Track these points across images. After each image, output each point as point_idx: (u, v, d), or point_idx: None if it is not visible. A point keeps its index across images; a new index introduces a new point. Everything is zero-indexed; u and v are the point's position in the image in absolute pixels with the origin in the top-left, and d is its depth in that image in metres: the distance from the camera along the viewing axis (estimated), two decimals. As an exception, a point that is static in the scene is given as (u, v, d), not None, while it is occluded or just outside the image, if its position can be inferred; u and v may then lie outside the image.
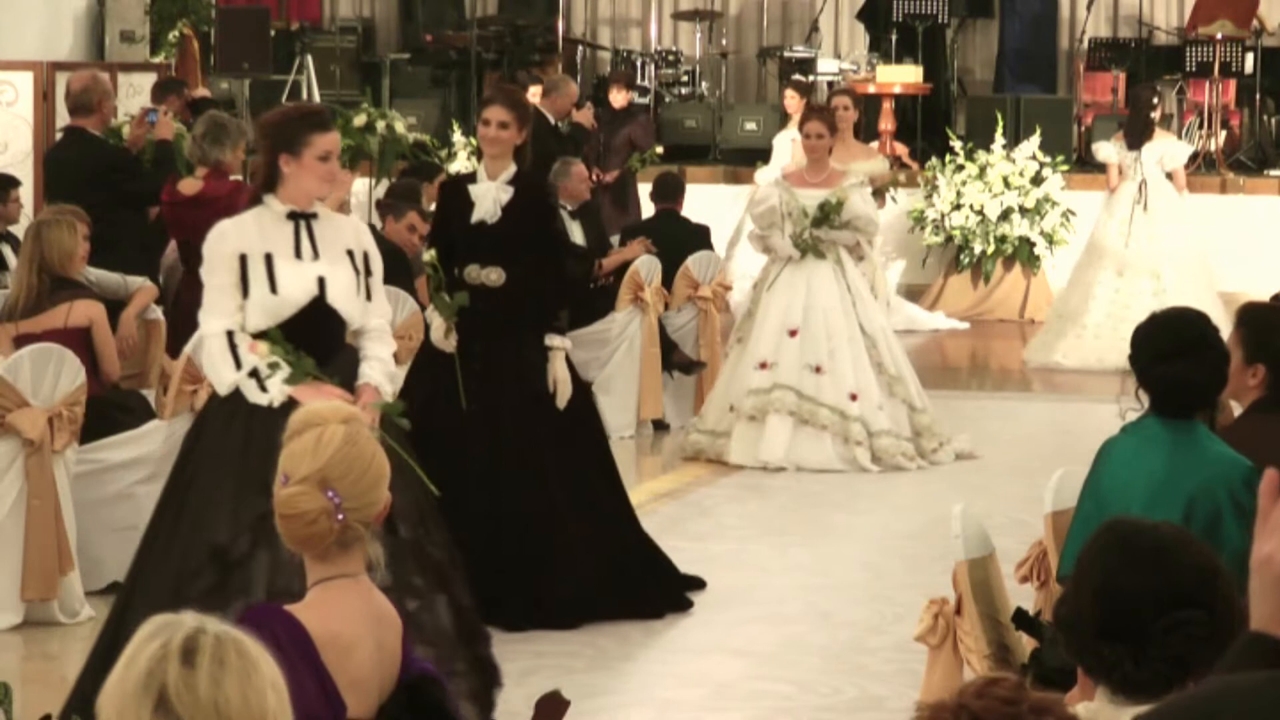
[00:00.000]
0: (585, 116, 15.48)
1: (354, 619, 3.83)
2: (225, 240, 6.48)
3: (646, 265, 12.48)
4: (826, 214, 11.51)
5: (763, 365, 11.54)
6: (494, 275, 8.22)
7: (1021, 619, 5.14)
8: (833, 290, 11.59)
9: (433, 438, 7.61)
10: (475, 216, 8.26)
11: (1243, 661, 2.51)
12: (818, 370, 11.47)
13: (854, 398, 11.45)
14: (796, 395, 11.44)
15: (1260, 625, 2.50)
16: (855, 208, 11.57)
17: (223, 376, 6.41)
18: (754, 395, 11.50)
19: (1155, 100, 15.50)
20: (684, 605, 8.45)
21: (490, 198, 8.26)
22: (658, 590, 8.42)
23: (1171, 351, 5.22)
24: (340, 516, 3.82)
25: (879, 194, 12.89)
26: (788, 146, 15.47)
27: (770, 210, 11.64)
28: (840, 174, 11.75)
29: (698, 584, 8.69)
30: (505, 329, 8.20)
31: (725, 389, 11.76)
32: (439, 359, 8.19)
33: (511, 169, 8.28)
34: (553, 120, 14.85)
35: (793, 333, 11.53)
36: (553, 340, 8.27)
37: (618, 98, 17.17)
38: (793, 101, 17.02)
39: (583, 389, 8.52)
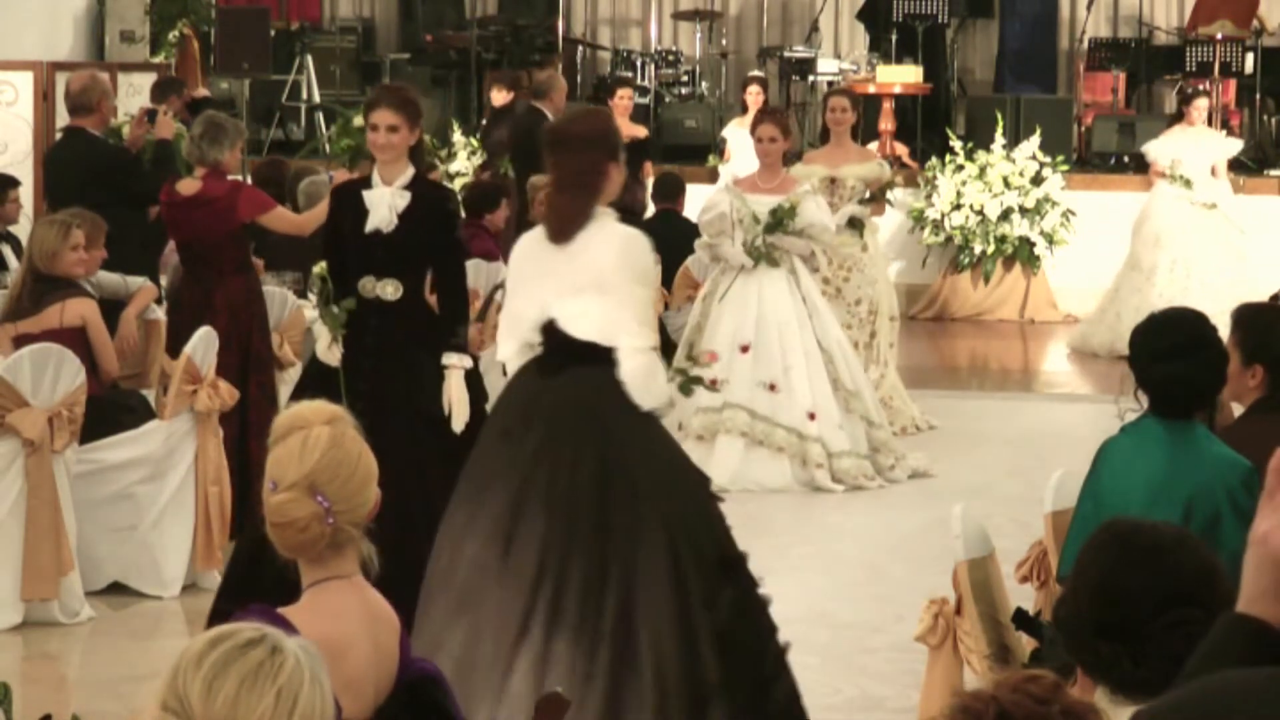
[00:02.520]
0: None
1: (347, 619, 3.82)
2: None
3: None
4: (779, 220, 10.97)
5: (712, 383, 10.97)
6: (390, 288, 7.69)
7: (1021, 619, 5.14)
8: (786, 302, 11.04)
9: None
10: (370, 225, 7.71)
11: (1224, 643, 2.49)
12: (772, 388, 10.93)
13: (812, 417, 10.92)
14: (749, 415, 10.90)
15: (1246, 603, 2.48)
16: (809, 215, 11.02)
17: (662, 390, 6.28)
18: (703, 414, 10.89)
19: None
20: None
21: (385, 205, 7.72)
22: None
23: (1170, 351, 5.22)
24: (331, 520, 3.81)
25: (877, 199, 12.37)
26: (745, 141, 14.94)
27: (720, 217, 11.10)
28: (793, 180, 11.25)
29: None
30: (401, 346, 7.68)
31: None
32: (325, 375, 7.65)
33: (408, 173, 7.76)
34: (552, 118, 14.84)
35: (744, 349, 10.99)
36: (450, 359, 7.68)
37: (498, 96, 17.15)
38: (756, 98, 16.98)
39: (481, 412, 7.63)
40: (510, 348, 6.39)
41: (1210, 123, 16.37)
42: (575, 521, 6.05)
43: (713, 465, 10.38)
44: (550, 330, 6.26)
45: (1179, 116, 16.46)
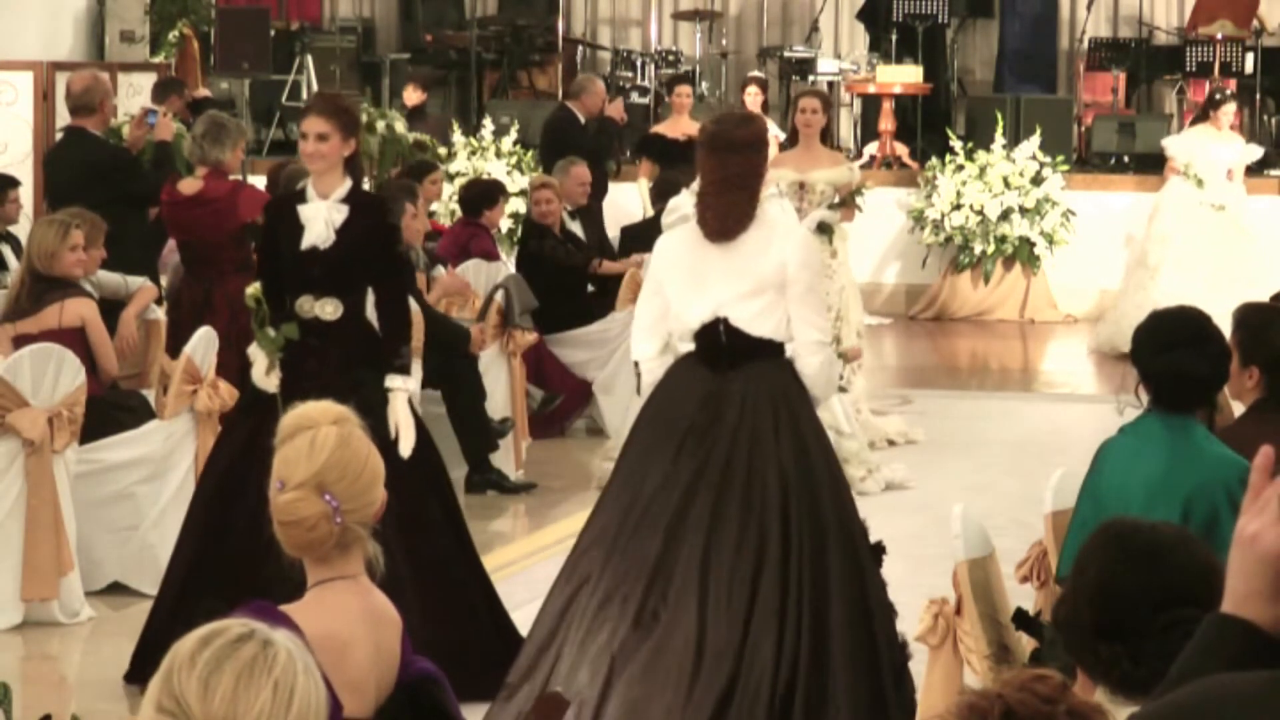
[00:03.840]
0: (616, 109, 15.50)
1: (350, 619, 3.82)
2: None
3: (647, 265, 12.46)
4: None
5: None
6: (329, 308, 7.30)
7: (1021, 619, 5.14)
8: None
9: (248, 488, 6.98)
10: (306, 241, 7.31)
11: (1213, 644, 2.48)
12: None
13: None
14: None
15: (1232, 604, 2.47)
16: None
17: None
18: None
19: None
20: None
21: (321, 220, 7.31)
22: (508, 665, 6.85)
23: (1172, 342, 5.24)
24: (339, 520, 3.81)
25: (847, 204, 11.88)
26: None
27: (683, 220, 10.61)
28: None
29: None
30: (342, 368, 7.25)
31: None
32: (262, 401, 7.28)
33: (345, 185, 7.34)
34: (582, 119, 14.91)
35: None
36: (394, 381, 7.29)
37: (412, 96, 17.14)
38: (755, 99, 16.98)
39: (426, 434, 7.51)
40: (653, 346, 6.60)
41: (1233, 128, 16.41)
42: (782, 503, 6.31)
43: None
44: (714, 328, 6.44)
45: (1204, 116, 16.44)
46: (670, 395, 6.52)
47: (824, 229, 11.44)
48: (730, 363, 6.44)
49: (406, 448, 7.25)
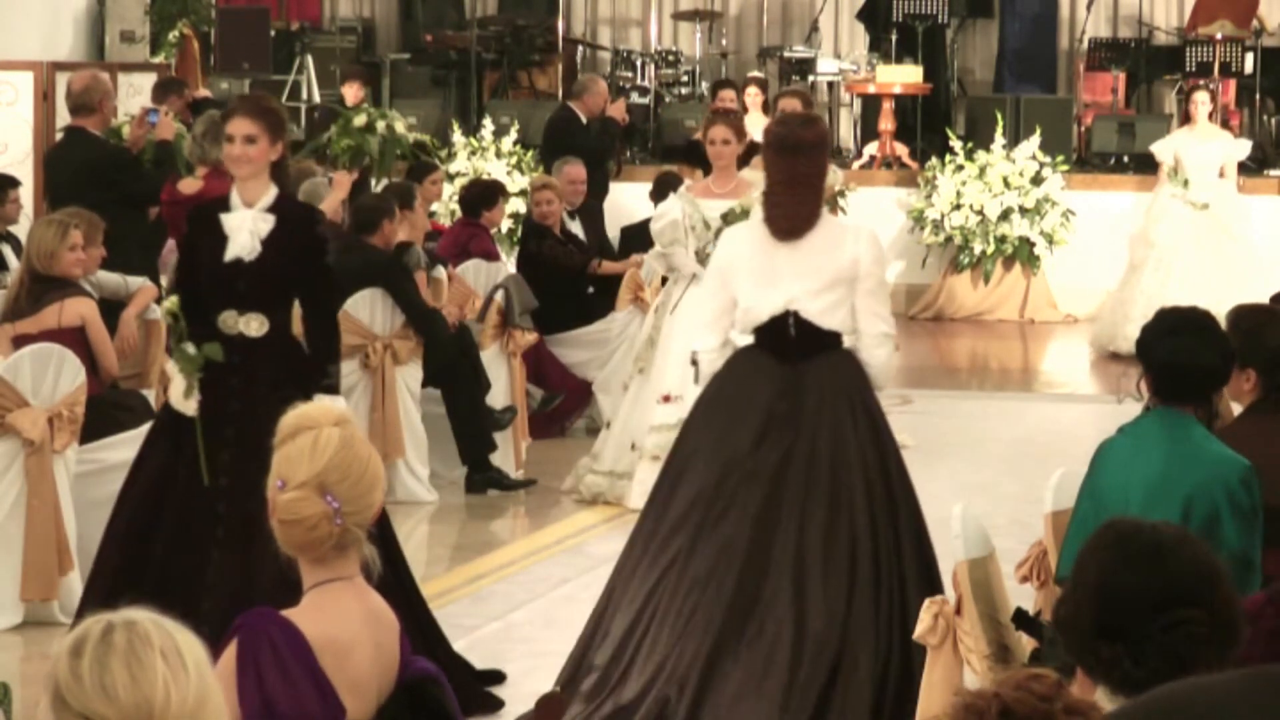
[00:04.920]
0: (619, 110, 15.40)
1: (351, 621, 3.83)
2: None
3: (646, 266, 12.46)
4: (731, 225, 10.00)
5: (666, 399, 10.27)
6: (255, 324, 6.89)
7: (1021, 619, 5.14)
8: None
9: (168, 517, 6.80)
10: (230, 253, 6.90)
11: None
12: None
13: None
14: None
15: None
16: None
17: None
18: (658, 432, 10.18)
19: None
20: (488, 705, 7.25)
21: (246, 230, 6.90)
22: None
23: (1174, 329, 5.26)
24: (339, 521, 3.82)
25: (830, 205, 11.60)
26: None
27: (672, 225, 10.42)
28: (748, 185, 10.37)
29: (496, 678, 7.51)
30: (269, 388, 6.81)
31: (625, 424, 10.56)
32: (180, 423, 6.90)
33: (271, 193, 6.95)
34: (584, 120, 14.88)
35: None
36: (322, 401, 6.42)
37: (349, 92, 17.10)
38: (755, 99, 16.93)
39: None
40: (715, 339, 6.90)
41: (1211, 118, 16.38)
42: (866, 491, 6.65)
43: None
44: (783, 321, 6.73)
45: (1186, 118, 16.50)
46: (741, 382, 6.78)
47: None
48: (800, 354, 6.73)
49: None
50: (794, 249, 6.74)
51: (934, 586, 6.50)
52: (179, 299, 6.94)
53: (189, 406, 6.85)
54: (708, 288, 7.07)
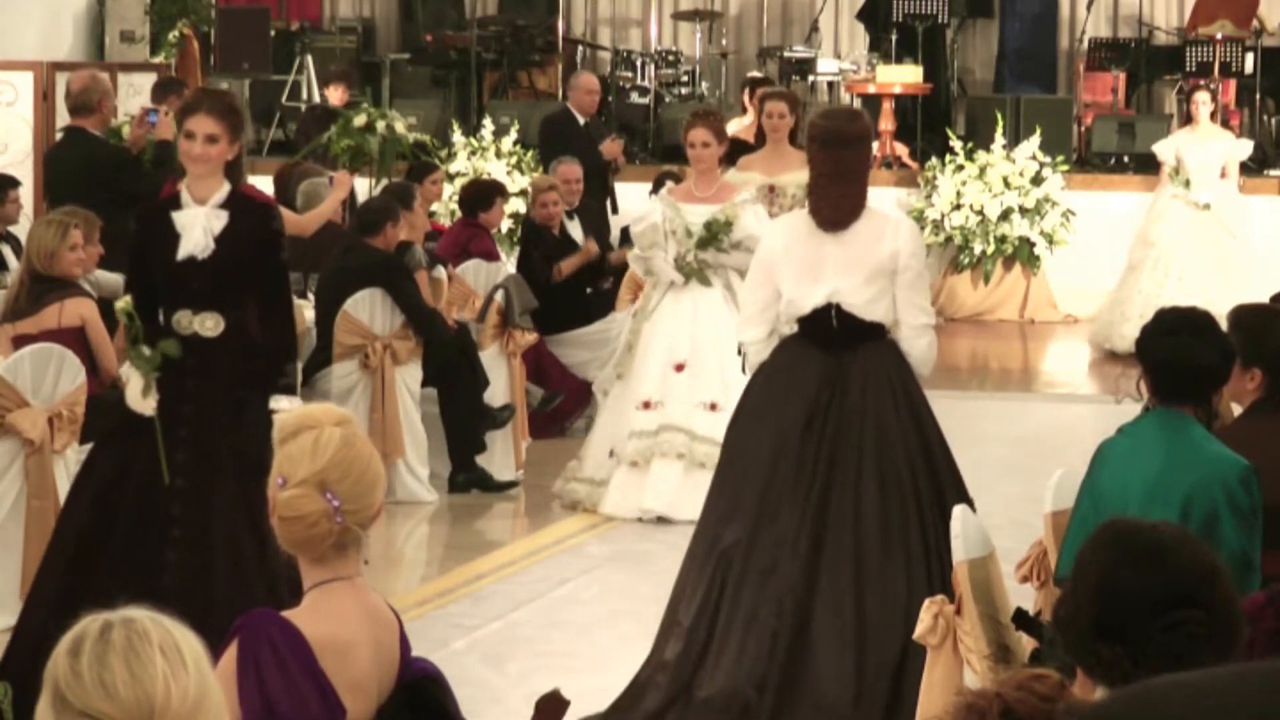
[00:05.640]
0: (613, 151, 14.74)
1: (351, 621, 3.83)
2: None
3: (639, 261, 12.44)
4: (714, 234, 10.10)
5: (646, 405, 10.15)
6: (210, 323, 6.73)
7: (1021, 619, 5.14)
8: (724, 318, 10.02)
9: (125, 521, 6.65)
10: (183, 251, 6.72)
11: None
12: (713, 407, 9.97)
13: None
14: (688, 436, 10.04)
15: None
16: (748, 227, 10.03)
17: None
18: (637, 438, 10.11)
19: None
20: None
21: (200, 227, 6.73)
22: None
23: (1174, 328, 5.26)
24: (339, 519, 3.82)
25: (800, 206, 11.47)
26: None
27: (652, 228, 10.22)
28: (731, 189, 10.33)
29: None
30: (225, 388, 6.72)
31: (605, 431, 10.44)
32: (137, 424, 6.72)
33: (224, 190, 6.77)
34: (580, 119, 14.82)
35: (679, 367, 10.15)
36: (279, 402, 6.69)
37: (334, 94, 17.07)
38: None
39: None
40: (761, 330, 7.08)
41: (1212, 118, 16.38)
42: (912, 480, 6.87)
43: (648, 492, 10.02)
44: (826, 312, 6.91)
45: (1187, 119, 16.50)
46: (788, 371, 6.97)
47: None
48: (843, 344, 6.93)
49: None
50: (838, 241, 6.93)
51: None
52: (131, 299, 6.75)
53: (147, 406, 6.67)
54: (753, 280, 7.21)
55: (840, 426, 6.88)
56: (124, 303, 6.75)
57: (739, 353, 7.26)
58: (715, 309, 10.19)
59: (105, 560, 6.68)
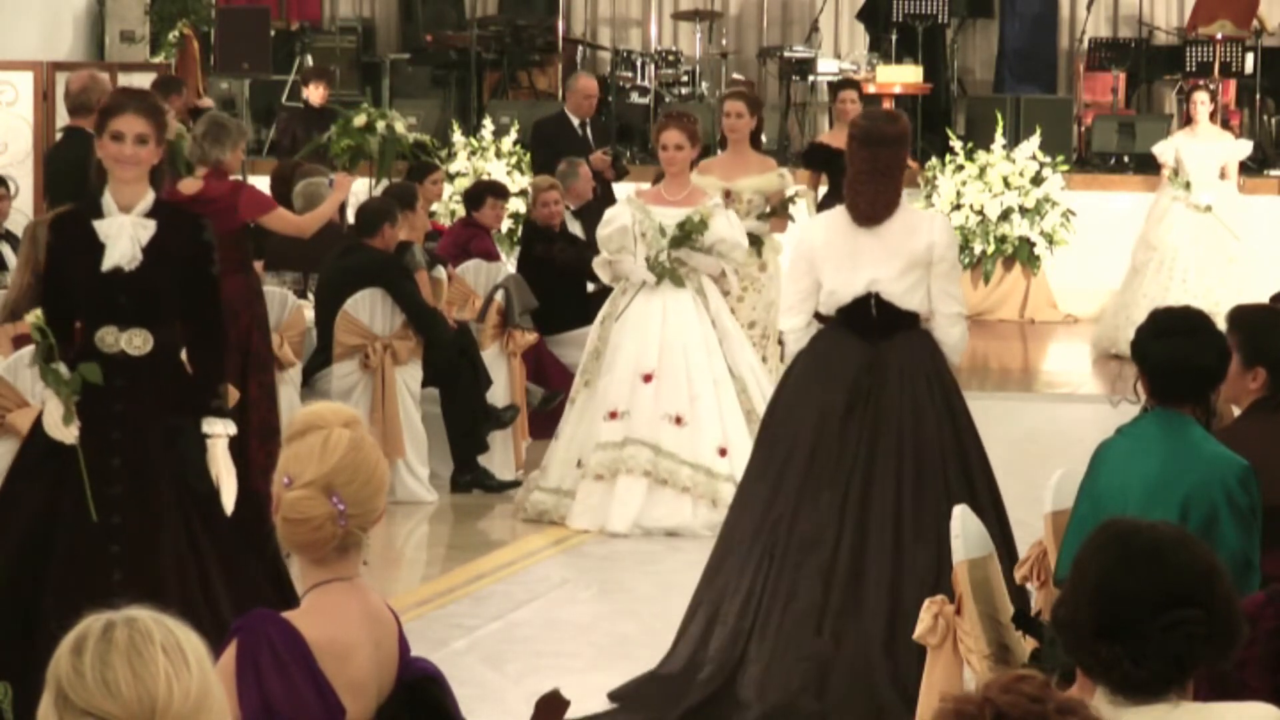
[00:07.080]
0: (600, 162, 14.71)
1: (351, 622, 3.82)
2: None
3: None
4: (688, 233, 9.88)
5: (613, 415, 9.91)
6: (138, 340, 6.22)
7: (1021, 619, 5.14)
8: (694, 325, 9.94)
9: (57, 564, 6.08)
10: (108, 262, 6.22)
11: None
12: (678, 421, 9.82)
13: (723, 453, 9.78)
14: (653, 451, 9.81)
15: None
16: (720, 230, 9.91)
17: None
18: (603, 450, 9.87)
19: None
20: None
21: (126, 236, 6.24)
22: None
23: (1170, 330, 5.26)
24: (344, 522, 3.81)
25: (778, 213, 11.07)
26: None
27: (620, 231, 10.01)
28: (702, 193, 10.14)
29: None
30: (156, 411, 6.22)
31: (571, 440, 10.13)
32: (59, 454, 6.17)
33: (149, 197, 6.32)
34: (575, 121, 14.78)
35: (647, 378, 9.90)
36: (213, 425, 6.27)
37: (314, 94, 17.05)
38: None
39: (247, 487, 6.49)
40: (801, 320, 7.36)
41: (1212, 119, 16.39)
42: (943, 469, 7.20)
43: (613, 508, 9.80)
44: (865, 302, 7.20)
45: (1187, 119, 16.51)
46: (827, 355, 7.26)
47: (752, 240, 10.69)
48: (881, 333, 7.22)
49: (229, 499, 6.27)
50: (874, 234, 7.20)
51: (1011, 555, 6.77)
52: (44, 315, 6.24)
53: (68, 434, 6.14)
54: (793, 272, 7.48)
55: (880, 412, 7.16)
56: (34, 317, 6.26)
57: (779, 341, 7.60)
58: (685, 314, 9.97)
59: (43, 609, 6.04)
